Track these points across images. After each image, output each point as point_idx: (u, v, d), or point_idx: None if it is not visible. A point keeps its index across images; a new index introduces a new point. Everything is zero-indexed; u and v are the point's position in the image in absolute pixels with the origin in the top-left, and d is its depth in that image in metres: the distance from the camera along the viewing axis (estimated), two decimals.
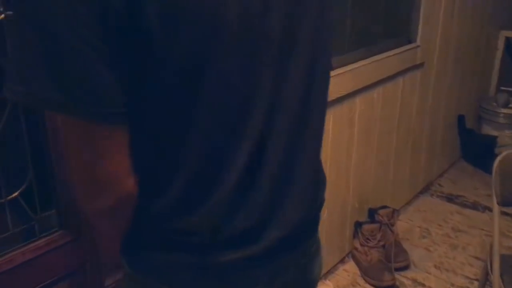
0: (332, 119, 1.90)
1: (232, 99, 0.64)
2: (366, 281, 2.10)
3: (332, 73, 1.57)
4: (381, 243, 2.17)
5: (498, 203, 1.51)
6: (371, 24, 2.22)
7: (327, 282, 2.08)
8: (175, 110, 0.62)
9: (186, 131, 0.63)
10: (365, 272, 2.11)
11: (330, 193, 1.92)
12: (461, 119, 3.05)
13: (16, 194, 1.08)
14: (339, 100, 1.90)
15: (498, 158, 1.53)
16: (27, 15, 0.52)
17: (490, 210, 2.40)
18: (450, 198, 2.77)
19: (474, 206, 2.68)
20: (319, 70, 0.74)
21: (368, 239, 2.16)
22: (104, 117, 0.56)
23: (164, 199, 0.67)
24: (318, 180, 0.83)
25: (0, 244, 1.07)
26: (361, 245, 2.17)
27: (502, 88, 3.24)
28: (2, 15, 0.98)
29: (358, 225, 2.21)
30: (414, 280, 2.11)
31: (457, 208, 2.68)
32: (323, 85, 0.78)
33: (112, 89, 0.55)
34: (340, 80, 1.86)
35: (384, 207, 2.30)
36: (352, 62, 1.96)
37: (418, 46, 2.34)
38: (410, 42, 2.33)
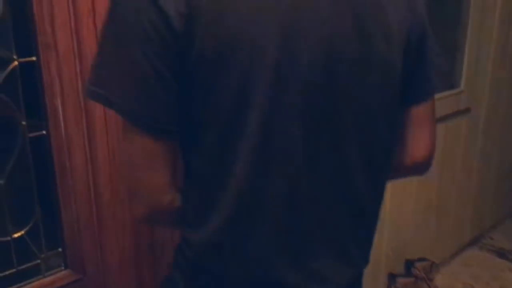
0: None
1: (271, 139, 0.65)
2: None
3: None
4: None
5: None
6: None
7: None
8: (216, 145, 0.66)
9: (224, 166, 0.66)
10: None
11: None
12: None
13: (22, 232, 1.11)
14: None
15: None
16: (112, 34, 0.63)
17: None
18: (501, 253, 2.57)
19: None
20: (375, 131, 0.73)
21: None
22: (152, 127, 0.64)
23: (204, 235, 0.69)
24: (368, 244, 0.81)
25: (5, 282, 1.10)
26: None
27: None
28: (16, 62, 1.04)
29: (391, 277, 2.09)
30: None
31: (509, 265, 2.47)
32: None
33: (165, 107, 0.63)
34: None
35: (422, 259, 2.16)
36: None
37: (461, 92, 2.23)
38: (452, 87, 2.23)
